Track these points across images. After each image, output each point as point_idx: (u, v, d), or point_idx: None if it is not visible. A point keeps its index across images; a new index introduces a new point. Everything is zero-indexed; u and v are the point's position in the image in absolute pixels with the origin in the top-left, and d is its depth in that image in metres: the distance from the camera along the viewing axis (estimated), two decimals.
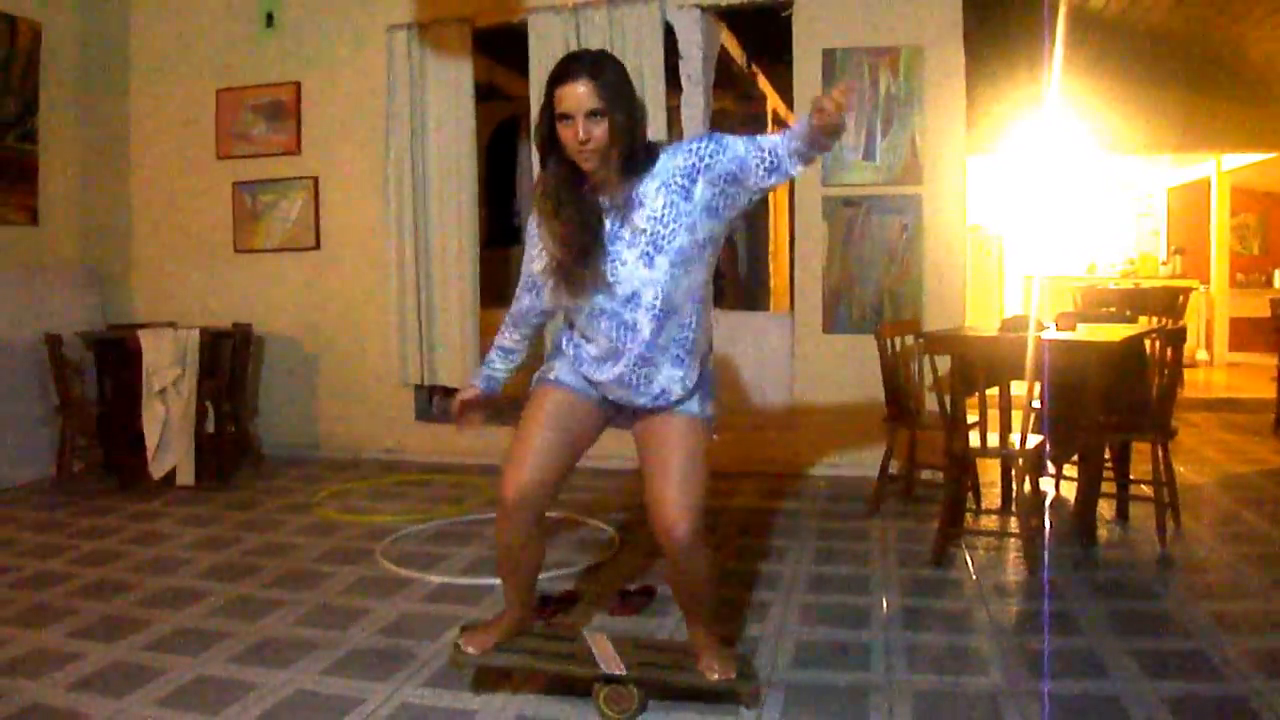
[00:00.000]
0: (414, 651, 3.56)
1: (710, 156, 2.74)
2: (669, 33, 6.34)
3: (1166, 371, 4.75)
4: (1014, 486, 4.75)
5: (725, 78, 7.74)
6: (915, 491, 5.59)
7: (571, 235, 2.79)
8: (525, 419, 3.01)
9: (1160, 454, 4.78)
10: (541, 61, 6.51)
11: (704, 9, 6.42)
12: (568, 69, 2.71)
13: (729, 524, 5.19)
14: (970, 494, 5.23)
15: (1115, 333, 5.14)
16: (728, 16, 6.80)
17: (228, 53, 7.38)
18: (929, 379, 5.07)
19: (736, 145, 2.75)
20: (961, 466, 4.66)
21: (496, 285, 7.31)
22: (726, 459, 6.06)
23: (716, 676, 3.01)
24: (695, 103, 6.39)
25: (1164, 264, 12.79)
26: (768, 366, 6.62)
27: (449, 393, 7.28)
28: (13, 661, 3.51)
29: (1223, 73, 9.51)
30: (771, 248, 10.11)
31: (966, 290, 6.27)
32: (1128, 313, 7.45)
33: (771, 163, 2.71)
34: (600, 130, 2.67)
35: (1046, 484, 5.53)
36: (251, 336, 6.95)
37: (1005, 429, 4.47)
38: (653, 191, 2.76)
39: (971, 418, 4.57)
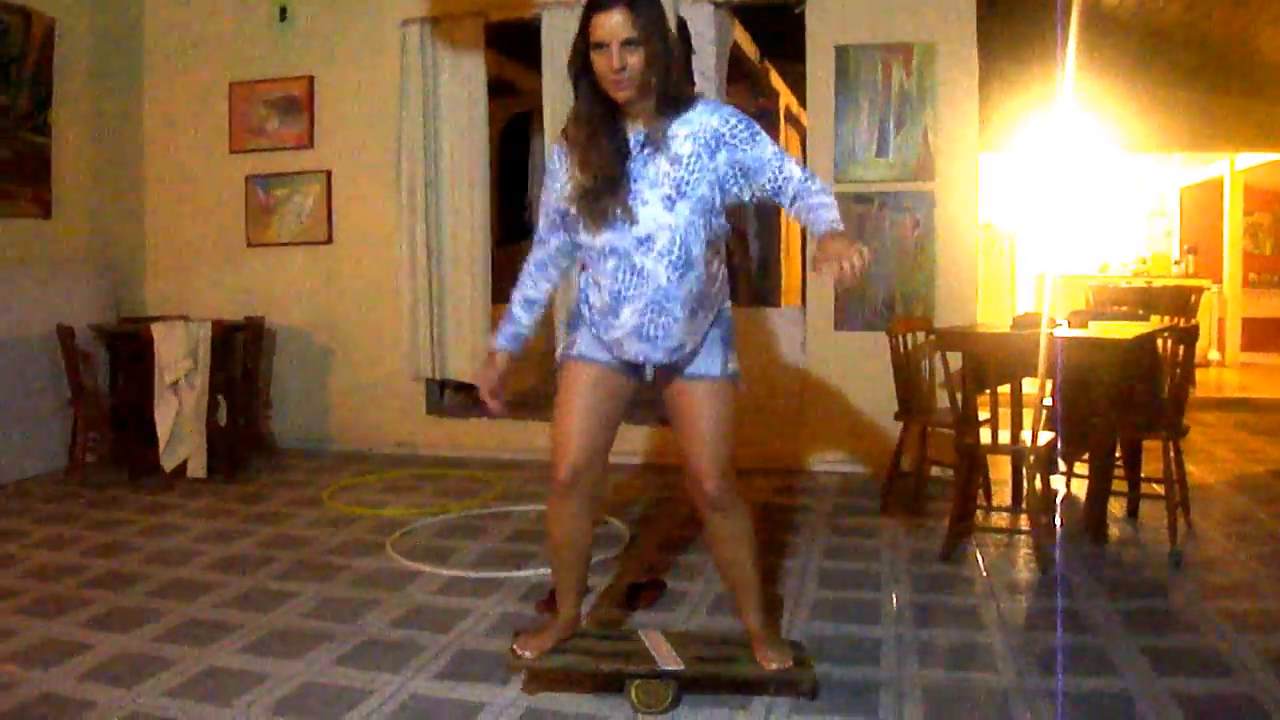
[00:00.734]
0: (424, 644, 3.56)
1: (738, 140, 2.79)
2: (682, 28, 6.33)
3: (1178, 370, 4.74)
4: (1025, 484, 4.74)
5: (738, 74, 7.73)
6: (926, 488, 5.57)
7: (602, 163, 2.78)
8: (560, 402, 3.00)
9: (1172, 452, 4.76)
10: (554, 56, 6.52)
11: (717, 5, 6.42)
12: None
13: None
14: (981, 491, 5.21)
15: (1127, 331, 5.13)
16: (741, 12, 6.80)
17: (241, 47, 7.39)
18: (940, 376, 5.06)
19: (765, 148, 2.80)
20: (972, 463, 4.66)
21: (508, 280, 7.28)
22: (738, 455, 6.04)
23: (775, 666, 3.01)
24: (708, 98, 6.38)
25: (1176, 263, 12.74)
26: (779, 362, 6.62)
27: (460, 387, 7.30)
28: (24, 651, 3.53)
29: (1236, 71, 9.46)
30: (783, 244, 10.11)
31: (978, 287, 6.26)
32: (1140, 312, 7.43)
33: (777, 188, 2.79)
34: (635, 59, 2.67)
35: (1057, 481, 5.51)
36: (263, 330, 6.97)
37: (1016, 426, 4.46)
38: (682, 136, 2.78)
39: (982, 415, 4.56)
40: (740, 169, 2.81)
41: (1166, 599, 3.98)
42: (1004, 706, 3.02)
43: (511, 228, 9.58)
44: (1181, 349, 4.72)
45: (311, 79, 7.25)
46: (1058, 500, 5.36)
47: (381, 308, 7.16)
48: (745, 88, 8.90)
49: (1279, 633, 3.59)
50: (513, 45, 7.50)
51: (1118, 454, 5.07)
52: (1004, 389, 4.54)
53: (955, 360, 4.68)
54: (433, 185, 6.91)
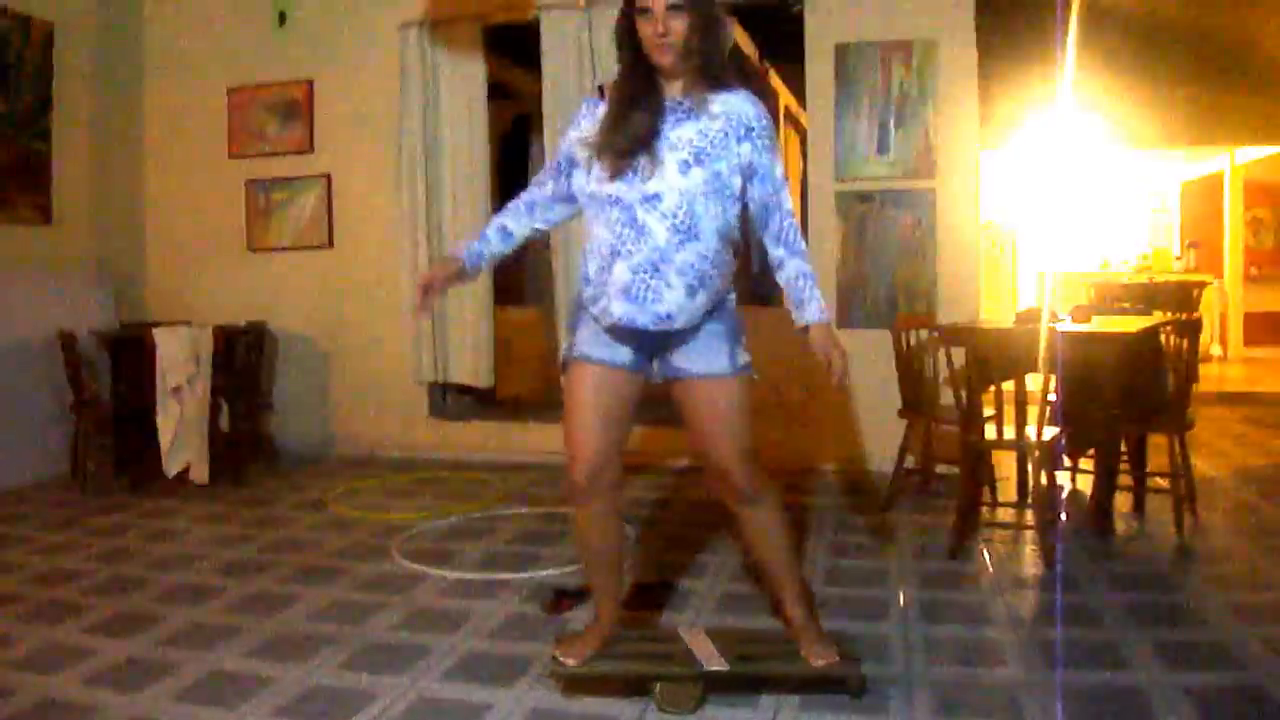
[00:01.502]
0: (430, 646, 3.55)
1: (761, 143, 2.87)
2: None
3: (1183, 363, 4.73)
4: (1030, 479, 4.73)
5: (737, 75, 7.72)
6: (931, 485, 5.57)
7: (634, 129, 2.78)
8: (569, 405, 2.98)
9: (1177, 446, 4.76)
10: (554, 58, 6.52)
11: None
12: None
13: None
14: (986, 487, 5.20)
15: (1130, 325, 5.11)
16: (739, 13, 6.78)
17: (240, 51, 7.39)
18: (944, 372, 5.05)
19: (776, 165, 2.90)
20: (977, 459, 4.65)
21: (509, 283, 7.31)
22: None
23: (822, 662, 3.00)
24: None
25: (1178, 259, 12.73)
26: (782, 361, 6.59)
27: (463, 390, 7.29)
28: (27, 657, 3.52)
29: (1236, 66, 9.45)
30: None
31: (980, 284, 6.25)
32: (1141, 307, 7.42)
33: (765, 207, 2.90)
34: (680, 24, 2.72)
35: (1062, 477, 5.51)
36: (265, 334, 6.95)
37: (1021, 422, 4.45)
38: (715, 111, 2.81)
39: (987, 411, 4.55)
40: (749, 171, 2.86)
41: (1174, 592, 3.97)
42: (1012, 702, 3.00)
43: None
44: (1185, 342, 4.71)
45: (311, 83, 7.25)
46: (1063, 495, 5.35)
47: (383, 311, 7.14)
48: (745, 88, 8.89)
49: None
50: (512, 48, 7.50)
51: (1123, 448, 5.06)
52: (1008, 385, 4.54)
53: (959, 357, 4.67)
54: (433, 188, 6.90)
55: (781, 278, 2.93)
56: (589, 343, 2.96)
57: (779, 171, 2.89)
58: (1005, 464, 5.69)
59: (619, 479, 3.02)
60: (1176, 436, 4.77)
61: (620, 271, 2.78)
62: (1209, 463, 6.25)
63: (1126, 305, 8.29)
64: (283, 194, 7.32)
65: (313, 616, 3.89)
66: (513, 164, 9.65)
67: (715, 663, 2.99)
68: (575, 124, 2.98)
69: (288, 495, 6.03)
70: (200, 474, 6.16)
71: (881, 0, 6.17)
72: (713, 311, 2.91)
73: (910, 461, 5.50)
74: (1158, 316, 5.90)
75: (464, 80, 6.82)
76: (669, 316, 2.80)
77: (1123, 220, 13.44)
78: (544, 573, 4.32)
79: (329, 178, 7.23)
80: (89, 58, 7.13)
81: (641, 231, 2.76)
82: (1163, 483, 5.01)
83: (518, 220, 3.12)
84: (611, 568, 3.13)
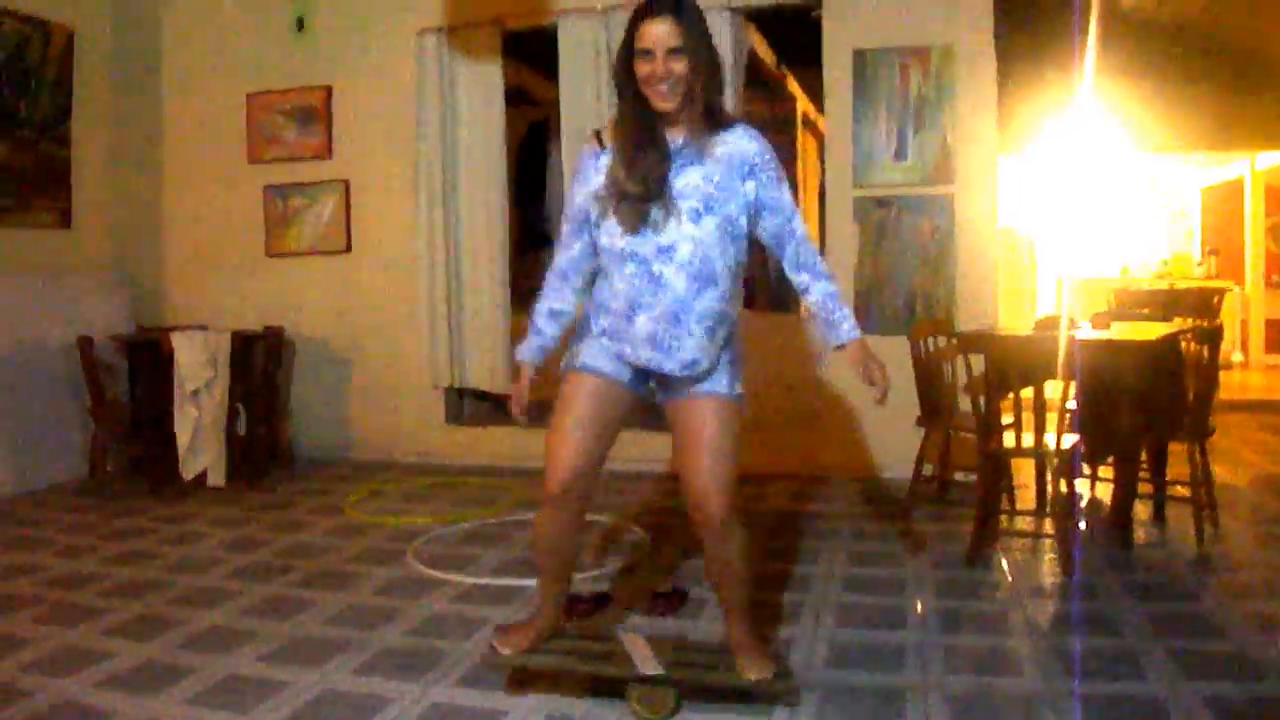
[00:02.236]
0: (444, 652, 3.55)
1: (765, 177, 2.87)
2: None
3: (1203, 370, 4.69)
4: (1049, 487, 4.70)
5: (755, 80, 7.71)
6: (949, 493, 5.54)
7: (650, 167, 2.78)
8: (558, 410, 2.98)
9: (1197, 454, 4.72)
10: (571, 64, 6.52)
11: (733, 10, 6.39)
12: (651, 6, 2.75)
13: (761, 526, 5.15)
14: (1005, 495, 5.17)
15: (1150, 332, 5.08)
16: (757, 18, 6.77)
17: (259, 57, 7.41)
18: (962, 379, 5.02)
19: (784, 195, 2.91)
20: (996, 467, 4.62)
21: (527, 288, 7.30)
22: (757, 461, 6.02)
23: (754, 676, 2.99)
24: (725, 105, 6.34)
25: (1198, 265, 12.66)
26: (799, 369, 6.58)
27: (480, 395, 7.29)
28: (44, 659, 3.53)
29: (1257, 70, 9.40)
30: None
31: (998, 291, 6.22)
32: (1162, 314, 7.38)
33: (778, 236, 2.93)
34: (680, 67, 2.72)
35: (1082, 485, 5.47)
36: (282, 339, 6.98)
37: (1040, 429, 4.42)
38: (717, 154, 2.81)
39: (1006, 418, 4.53)
40: (757, 205, 2.87)
41: (1194, 602, 3.93)
42: (1030, 712, 2.98)
43: (529, 236, 9.59)
44: (1205, 349, 4.67)
45: (329, 89, 7.26)
46: (1082, 504, 5.32)
47: (400, 316, 7.15)
48: (762, 94, 8.88)
49: None
50: (529, 54, 7.51)
51: (1143, 456, 5.02)
52: (1027, 392, 4.50)
53: (977, 364, 4.64)
54: (450, 194, 6.91)
55: (810, 300, 2.96)
56: (593, 356, 2.97)
57: (787, 199, 2.91)
58: (1024, 472, 5.66)
59: (590, 490, 3.02)
60: (1197, 444, 4.73)
61: (643, 323, 2.82)
62: (1230, 471, 6.20)
63: (1146, 312, 8.23)
64: (301, 199, 7.34)
65: (328, 621, 3.90)
66: (531, 170, 9.67)
67: (649, 666, 3.01)
68: (582, 179, 2.96)
69: (304, 499, 6.04)
70: (217, 478, 6.18)
71: (900, 5, 6.14)
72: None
73: (928, 469, 5.47)
74: (1178, 323, 5.86)
75: (482, 86, 6.82)
76: (695, 362, 2.85)
77: (1143, 226, 13.36)
78: None
79: (347, 183, 7.25)
80: (108, 63, 7.17)
81: (659, 283, 2.78)
82: (1183, 491, 4.97)
83: (560, 296, 3.10)
84: (561, 572, 3.16)
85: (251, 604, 4.12)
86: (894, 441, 6.06)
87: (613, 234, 2.82)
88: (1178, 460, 5.07)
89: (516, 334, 6.86)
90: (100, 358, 6.40)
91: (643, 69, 2.74)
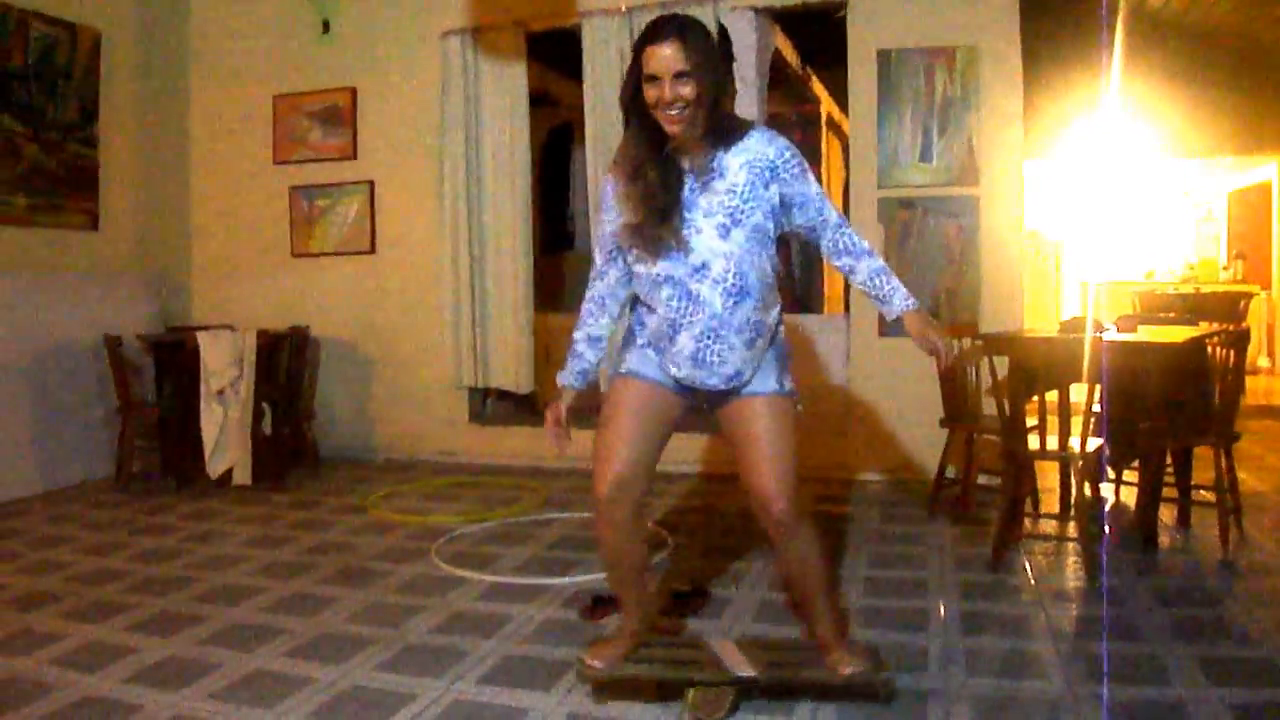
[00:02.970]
0: (468, 649, 3.56)
1: (789, 174, 2.85)
2: (723, 34, 6.31)
3: (1229, 374, 4.66)
4: (1073, 491, 4.68)
5: (779, 80, 7.72)
6: (972, 496, 5.51)
7: (653, 194, 2.77)
8: (606, 415, 2.98)
9: (1223, 459, 4.69)
10: (595, 65, 6.53)
11: (758, 11, 6.40)
12: (657, 30, 2.73)
13: None
14: (1029, 498, 5.15)
15: (1176, 335, 5.05)
16: (781, 18, 6.78)
17: (285, 59, 7.47)
18: (987, 382, 5.00)
19: (810, 186, 2.89)
20: (1020, 470, 4.60)
21: (550, 290, 7.33)
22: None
23: (849, 669, 2.98)
24: (749, 105, 6.35)
25: (1224, 269, 12.58)
26: (822, 369, 6.58)
27: (503, 395, 7.31)
28: (71, 655, 3.56)
29: None
30: None
31: (1023, 293, 6.20)
32: (1188, 317, 7.34)
33: (814, 228, 2.92)
34: (687, 91, 2.69)
35: (1106, 488, 5.44)
36: (308, 339, 7.01)
37: (1064, 432, 4.40)
38: (736, 166, 2.79)
39: (1030, 421, 4.51)
40: (785, 203, 2.87)
41: (1219, 607, 3.91)
42: (1053, 716, 2.97)
43: (553, 238, 9.61)
44: (1232, 353, 4.64)
45: (354, 90, 7.31)
46: (1107, 507, 5.29)
47: (424, 317, 7.19)
48: (786, 94, 8.88)
49: None
50: (553, 57, 7.53)
51: (1168, 460, 4.99)
52: (1052, 395, 4.48)
53: (1002, 366, 4.62)
54: (475, 195, 6.93)
55: (857, 281, 2.95)
56: (640, 363, 2.97)
57: (814, 190, 2.89)
58: (1048, 475, 5.64)
59: (642, 494, 2.99)
60: (1223, 449, 4.70)
61: (684, 341, 2.82)
62: (1256, 476, 6.16)
63: (1172, 315, 8.20)
64: (326, 200, 7.38)
65: (352, 618, 3.92)
66: (555, 172, 9.69)
67: (745, 669, 2.98)
68: (605, 207, 2.98)
69: (329, 498, 6.07)
70: (243, 476, 6.22)
71: (925, 6, 6.12)
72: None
73: (952, 472, 5.46)
74: (1204, 327, 5.82)
75: (506, 87, 6.84)
76: (738, 374, 2.86)
77: (1169, 230, 13.30)
78: (583, 578, 4.32)
79: (372, 184, 7.29)
80: (135, 66, 7.22)
81: (696, 301, 2.78)
82: (1208, 496, 4.94)
83: (598, 323, 3.10)
84: (634, 579, 3.11)
85: (276, 601, 4.14)
86: (918, 443, 6.05)
87: (644, 261, 2.84)
88: (1203, 465, 5.04)
89: (539, 336, 6.92)
90: (127, 357, 6.45)
91: (651, 94, 2.72)
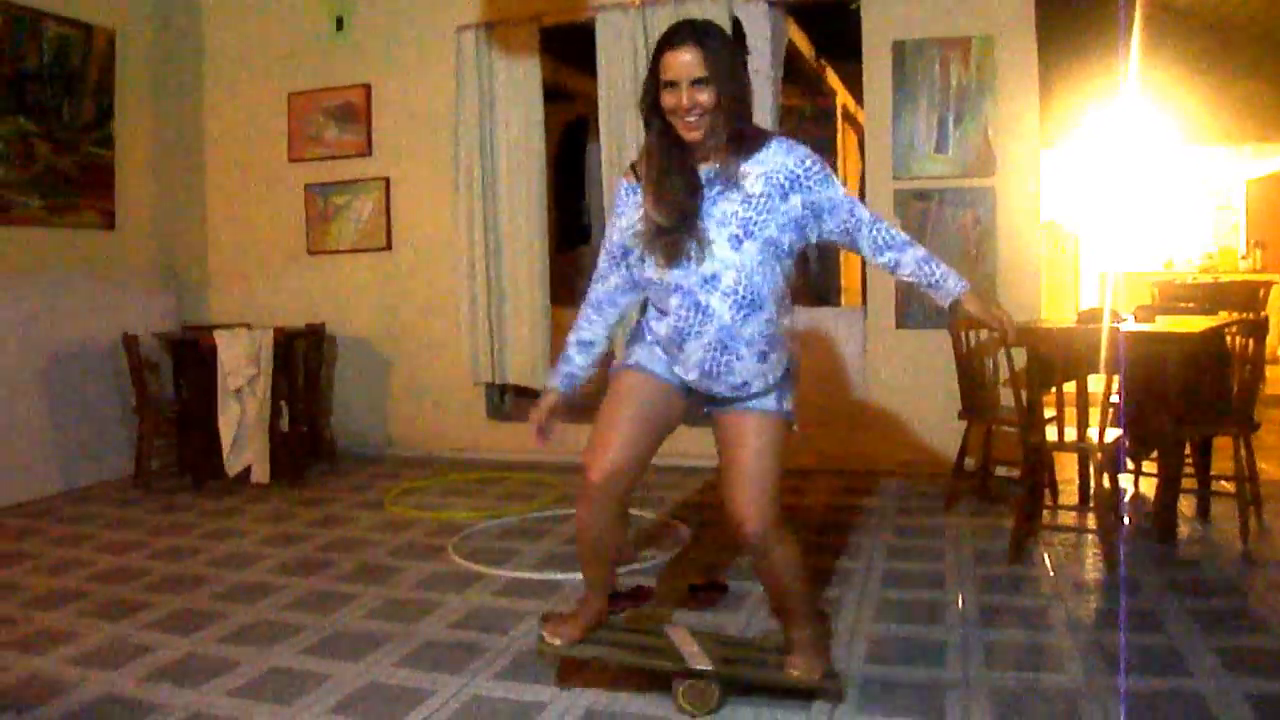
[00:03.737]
0: (485, 645, 3.57)
1: (813, 181, 2.80)
2: (736, 28, 6.30)
3: (1248, 364, 4.63)
4: (1092, 482, 4.65)
5: (794, 73, 7.69)
6: (991, 488, 5.50)
7: (675, 199, 2.76)
8: (606, 405, 2.98)
9: (1243, 449, 4.66)
10: (609, 59, 6.51)
11: (772, 4, 6.38)
12: (674, 36, 2.72)
13: (802, 521, 5.14)
14: (1047, 490, 5.13)
15: (1195, 325, 5.01)
16: (795, 11, 6.76)
17: (299, 57, 7.47)
18: (1004, 373, 4.98)
19: (838, 190, 2.84)
20: (1038, 461, 4.58)
21: (566, 285, 7.33)
22: (799, 456, 6.00)
23: (796, 674, 2.98)
24: (763, 98, 6.32)
25: (1243, 258, 12.48)
26: (839, 362, 6.56)
27: (520, 391, 7.31)
28: (91, 652, 3.58)
29: None
30: None
31: (1041, 283, 6.16)
32: (1207, 307, 7.29)
33: (847, 230, 2.85)
34: (705, 97, 2.68)
35: (1125, 479, 5.42)
36: (324, 336, 7.03)
37: (1083, 423, 4.38)
38: (754, 176, 2.76)
39: (1048, 412, 4.49)
40: (814, 210, 2.82)
41: (1238, 598, 3.89)
42: (1073, 708, 2.95)
43: (569, 233, 9.61)
44: (1251, 343, 4.61)
45: (369, 87, 7.31)
46: (1125, 498, 5.27)
47: (441, 313, 7.19)
48: (801, 87, 8.86)
49: None
50: (568, 51, 7.52)
51: (1187, 451, 4.96)
52: (1070, 386, 4.46)
53: (1020, 357, 4.61)
54: (490, 191, 6.93)
55: (904, 274, 2.88)
56: (647, 358, 2.97)
57: (841, 194, 2.84)
58: (1067, 466, 5.62)
59: (632, 486, 2.99)
60: (1242, 439, 4.67)
61: (693, 349, 2.81)
62: (1276, 466, 6.11)
63: (1191, 305, 8.14)
64: (342, 197, 7.39)
65: (370, 615, 3.93)
66: (570, 167, 9.69)
67: (699, 660, 2.99)
68: (619, 211, 2.96)
69: (346, 495, 6.08)
70: (261, 474, 6.24)
71: None
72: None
73: (970, 463, 5.44)
74: (1223, 317, 5.78)
75: (520, 82, 6.83)
76: (745, 384, 2.84)
77: (1187, 219, 13.19)
78: None
79: (387, 181, 7.29)
80: (151, 65, 7.24)
81: (705, 312, 2.76)
82: (1228, 486, 4.91)
83: (592, 327, 3.10)
84: (604, 564, 3.13)
85: (294, 598, 4.15)
86: (936, 436, 6.03)
87: (656, 268, 2.82)
88: (1223, 455, 5.02)
89: (556, 329, 6.91)
90: (145, 356, 6.47)
91: (668, 100, 2.70)
